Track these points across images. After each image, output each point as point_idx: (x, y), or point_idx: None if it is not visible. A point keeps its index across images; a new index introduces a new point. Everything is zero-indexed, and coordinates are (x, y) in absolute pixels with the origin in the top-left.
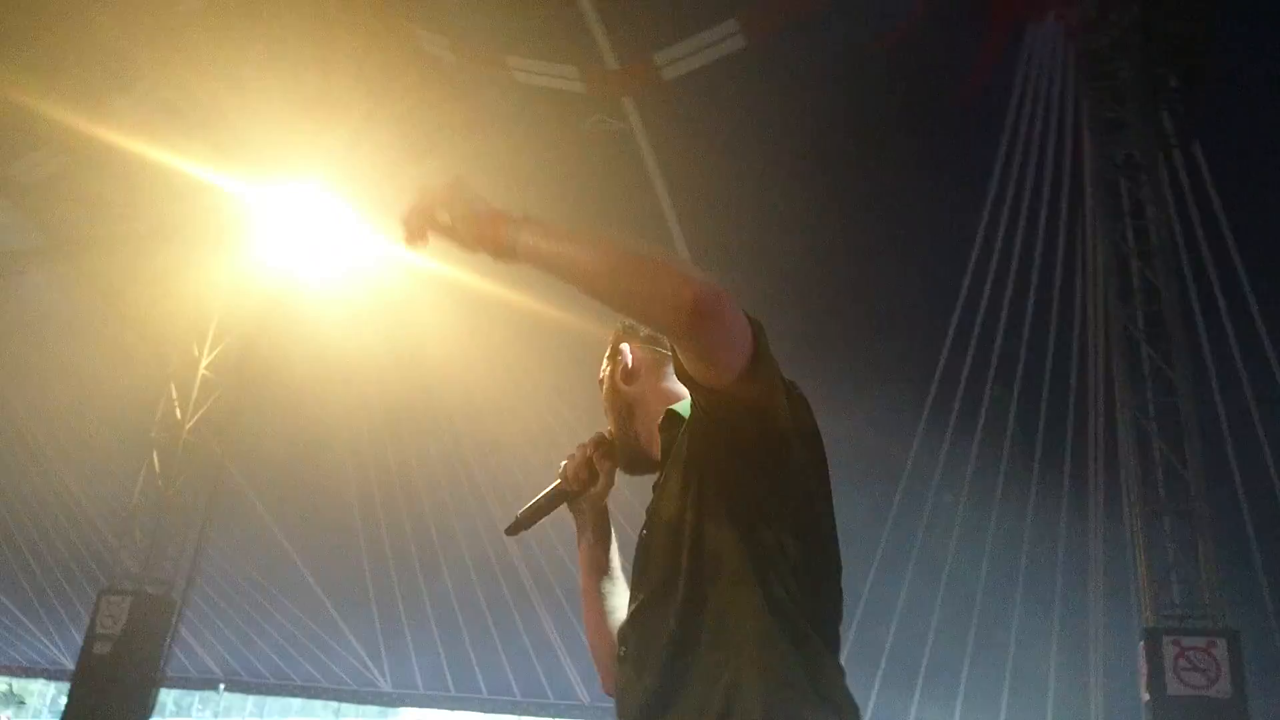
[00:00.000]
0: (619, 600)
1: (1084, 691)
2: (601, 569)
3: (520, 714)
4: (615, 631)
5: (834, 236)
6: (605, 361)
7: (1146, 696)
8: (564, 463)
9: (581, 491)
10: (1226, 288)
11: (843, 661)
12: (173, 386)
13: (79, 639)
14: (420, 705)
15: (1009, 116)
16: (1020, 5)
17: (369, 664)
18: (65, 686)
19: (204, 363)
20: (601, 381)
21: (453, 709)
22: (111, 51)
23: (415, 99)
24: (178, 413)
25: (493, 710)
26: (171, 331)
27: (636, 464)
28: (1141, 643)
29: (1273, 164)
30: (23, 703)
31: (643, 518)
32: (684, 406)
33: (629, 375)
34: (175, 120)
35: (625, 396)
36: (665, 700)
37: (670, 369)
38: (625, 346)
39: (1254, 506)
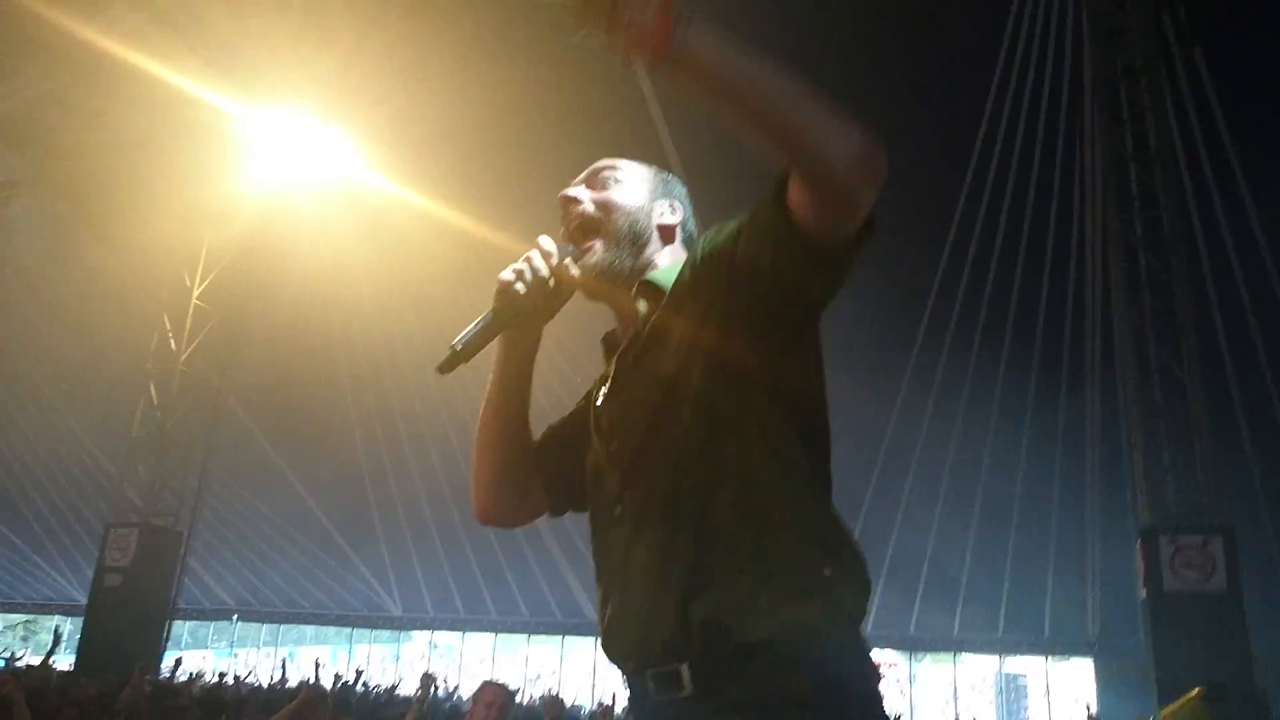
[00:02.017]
0: (526, 428)
1: (1081, 590)
2: (525, 390)
3: (530, 632)
4: (517, 456)
5: None
6: (615, 168)
7: (1144, 593)
8: (511, 273)
9: (533, 309)
10: (1224, 193)
11: None
12: (166, 317)
13: (90, 574)
14: (431, 628)
15: (1009, 24)
16: None
17: (379, 590)
18: (80, 621)
19: (196, 291)
20: (606, 179)
21: (463, 630)
22: None
23: (406, 23)
24: (172, 344)
25: (502, 630)
26: (161, 260)
27: (606, 287)
28: (1138, 541)
29: (1273, 70)
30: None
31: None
32: (661, 276)
33: (659, 214)
34: (165, 30)
35: (641, 225)
36: (699, 558)
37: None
38: (672, 204)
39: (1248, 408)
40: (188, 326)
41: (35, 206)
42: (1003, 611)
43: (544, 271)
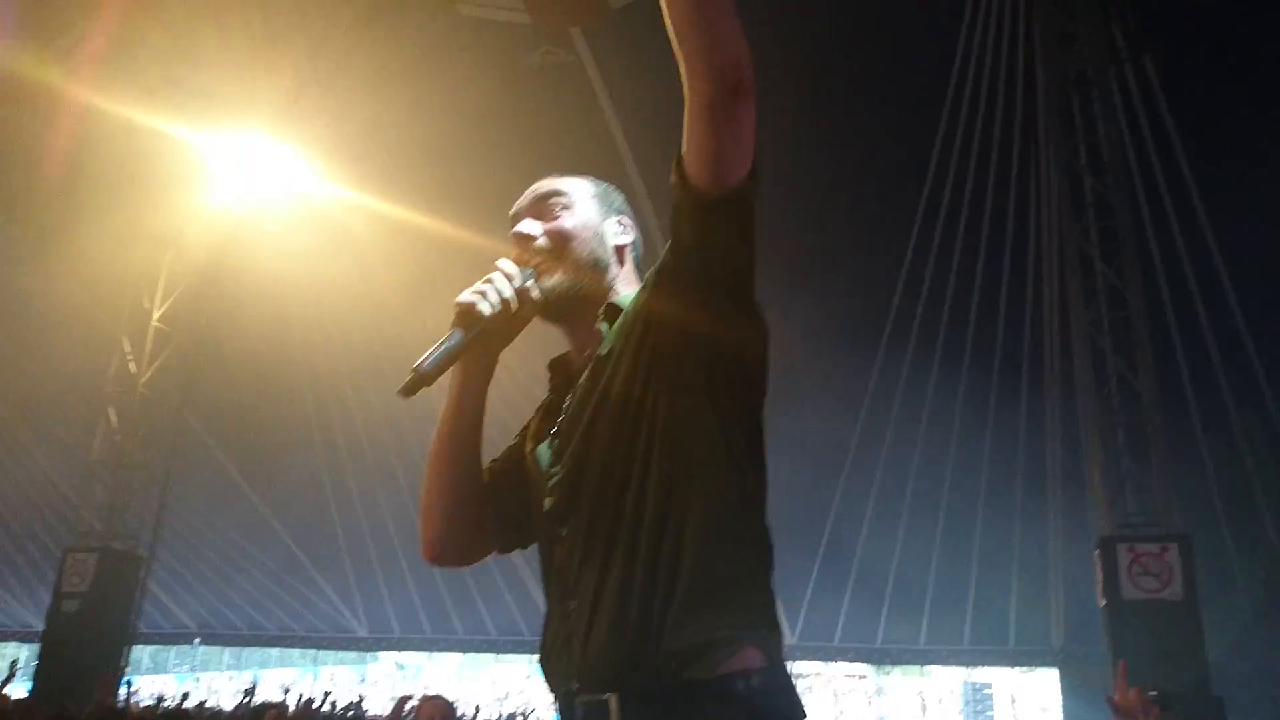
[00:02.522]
0: (479, 458)
1: (1044, 599)
2: (479, 416)
3: (497, 652)
4: (470, 487)
5: (787, 163)
6: (561, 194)
7: (1103, 602)
8: (474, 295)
9: (496, 330)
10: (1177, 200)
11: (812, 581)
12: (125, 340)
13: (49, 599)
14: (397, 649)
15: (961, 34)
16: None
17: (343, 611)
18: (38, 649)
19: (156, 314)
20: (554, 205)
21: (430, 650)
22: None
23: (357, 37)
24: (132, 366)
25: (469, 650)
26: (120, 284)
27: (565, 310)
28: (1096, 550)
29: (1221, 73)
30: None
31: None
32: (626, 299)
33: (606, 236)
34: (111, 65)
35: (593, 252)
36: (639, 590)
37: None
38: (622, 220)
39: (1204, 416)
40: (148, 349)
41: None
42: (968, 623)
43: (507, 293)
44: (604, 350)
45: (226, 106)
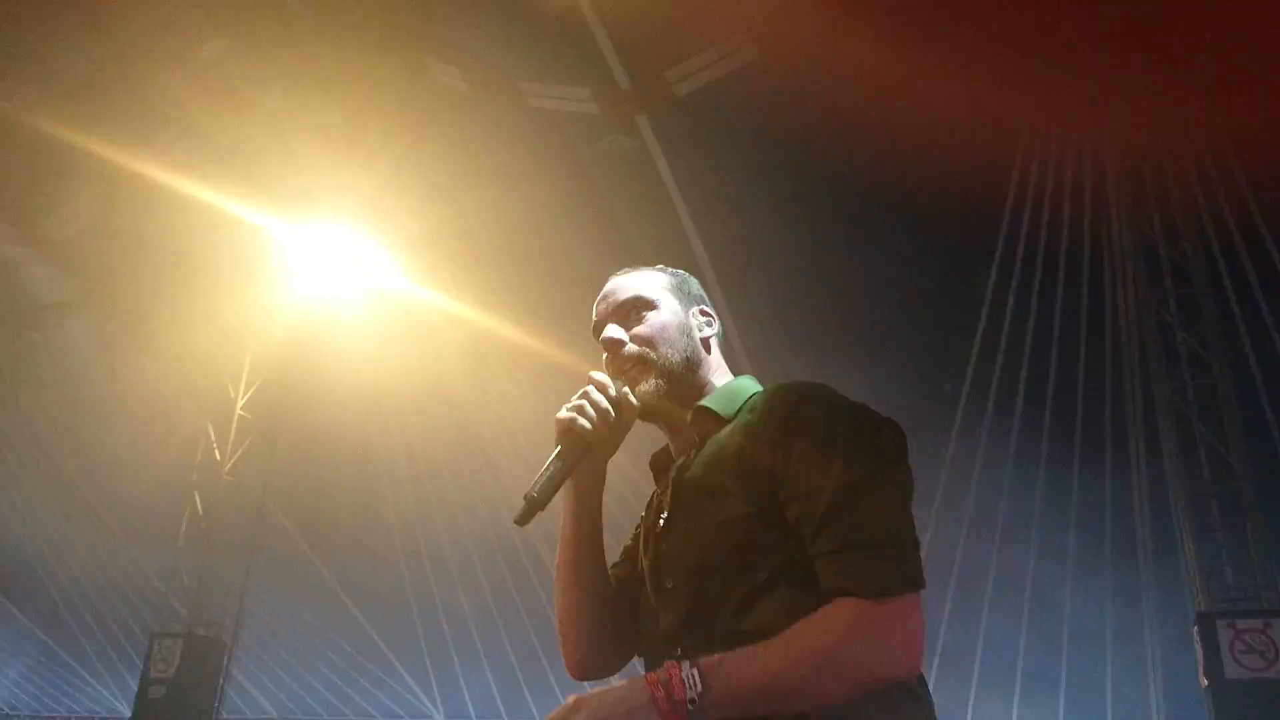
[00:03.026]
0: (604, 569)
1: (1143, 680)
2: (598, 528)
3: None
4: (601, 598)
5: (856, 240)
6: (642, 297)
7: (1205, 682)
8: (572, 412)
9: (599, 442)
10: (1257, 263)
11: None
12: (210, 428)
13: (134, 685)
14: None
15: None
16: None
17: (420, 695)
18: None
19: (240, 403)
20: (637, 307)
21: None
22: (150, 88)
23: (438, 139)
24: (216, 454)
25: None
26: (206, 373)
27: (663, 411)
28: (1195, 627)
29: None
30: None
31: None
32: (719, 403)
33: (691, 330)
34: (209, 157)
35: (683, 344)
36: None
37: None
38: (702, 310)
39: None
40: (231, 436)
41: (86, 326)
42: (1062, 704)
43: (603, 404)
44: (705, 469)
45: (315, 201)
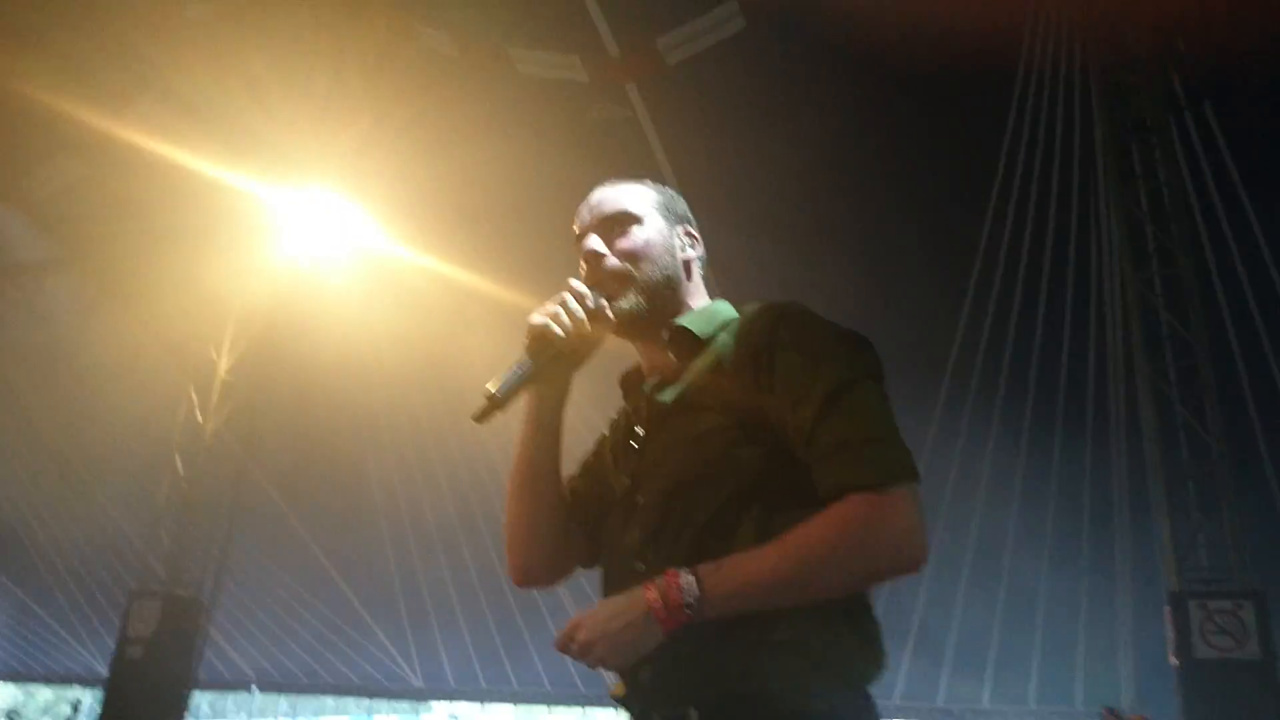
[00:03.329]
0: (559, 479)
1: (1113, 658)
2: (557, 439)
3: (551, 704)
4: (553, 507)
5: (845, 212)
6: (628, 212)
7: (1175, 661)
8: (546, 317)
9: (570, 351)
10: (1243, 248)
11: None
12: (193, 390)
13: (113, 645)
14: (451, 698)
15: (1017, 84)
16: None
17: (399, 660)
18: (102, 694)
19: (223, 366)
20: (622, 222)
21: (483, 701)
22: (131, 51)
23: (424, 102)
24: (199, 416)
25: (523, 701)
26: (189, 335)
27: (640, 327)
28: (1167, 607)
29: None
30: (78, 709)
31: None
32: (696, 323)
33: (674, 249)
34: (192, 120)
35: (664, 260)
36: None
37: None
38: (685, 229)
39: (1278, 467)
40: (214, 400)
41: (66, 285)
42: (1034, 682)
43: (579, 314)
44: (683, 386)
45: (297, 163)
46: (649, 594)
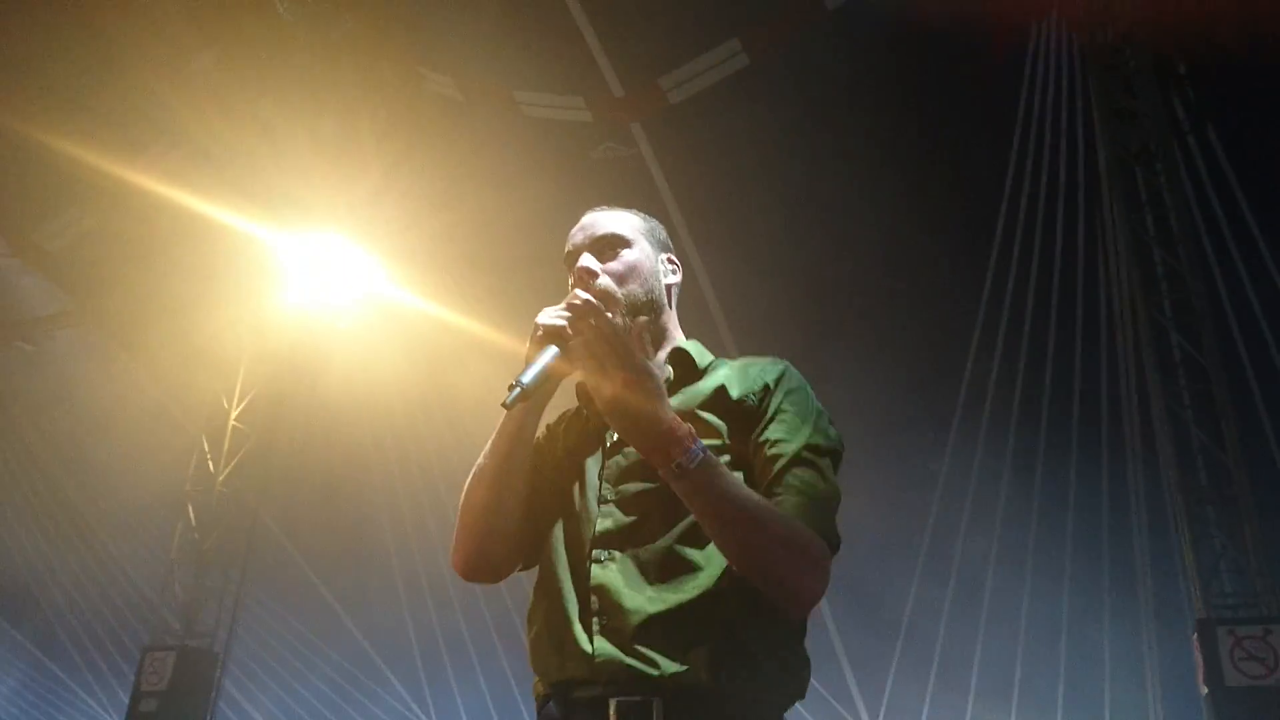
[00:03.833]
0: (525, 477)
1: (1141, 686)
2: (533, 437)
3: None
4: (514, 504)
5: (851, 245)
6: (618, 235)
7: (1204, 689)
8: (560, 319)
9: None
10: (1251, 268)
11: (894, 666)
12: (204, 440)
13: (125, 699)
14: None
15: (1019, 113)
16: (1023, 2)
17: (414, 709)
18: None
19: (234, 414)
20: (613, 244)
21: None
22: (144, 100)
23: (432, 147)
24: (210, 465)
25: None
26: (200, 384)
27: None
28: (1195, 634)
29: None
30: None
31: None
32: (694, 351)
33: (658, 275)
34: (203, 168)
35: (649, 287)
36: (694, 615)
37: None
38: (669, 258)
39: None
40: (225, 447)
41: (78, 337)
42: (1060, 712)
43: (591, 312)
44: (679, 402)
45: (307, 210)
46: (679, 427)
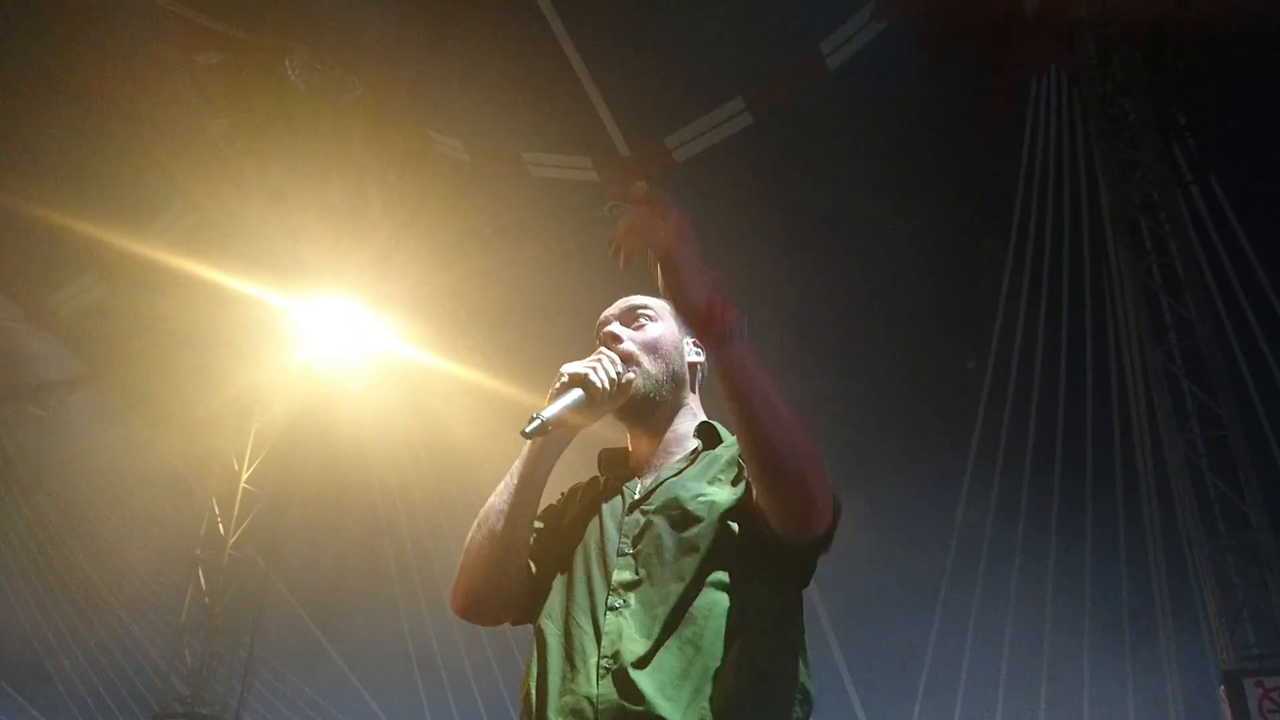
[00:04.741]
0: (530, 527)
1: None
2: (544, 482)
3: None
4: (517, 551)
5: (858, 301)
6: (649, 308)
7: None
8: (587, 369)
9: (597, 404)
10: (1260, 314)
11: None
12: (214, 503)
13: None
14: None
15: (1022, 167)
16: (1022, 58)
17: None
18: None
19: (245, 476)
20: (641, 316)
21: None
22: (153, 170)
23: (440, 208)
24: (221, 528)
25: None
26: (210, 447)
27: (641, 412)
28: (1221, 686)
29: None
30: None
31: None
32: (721, 427)
33: (679, 357)
34: (212, 234)
35: (674, 366)
36: (707, 674)
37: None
38: (697, 342)
39: None
40: (236, 510)
41: (89, 401)
42: None
43: (613, 374)
44: (705, 486)
45: (317, 274)
46: (722, 298)
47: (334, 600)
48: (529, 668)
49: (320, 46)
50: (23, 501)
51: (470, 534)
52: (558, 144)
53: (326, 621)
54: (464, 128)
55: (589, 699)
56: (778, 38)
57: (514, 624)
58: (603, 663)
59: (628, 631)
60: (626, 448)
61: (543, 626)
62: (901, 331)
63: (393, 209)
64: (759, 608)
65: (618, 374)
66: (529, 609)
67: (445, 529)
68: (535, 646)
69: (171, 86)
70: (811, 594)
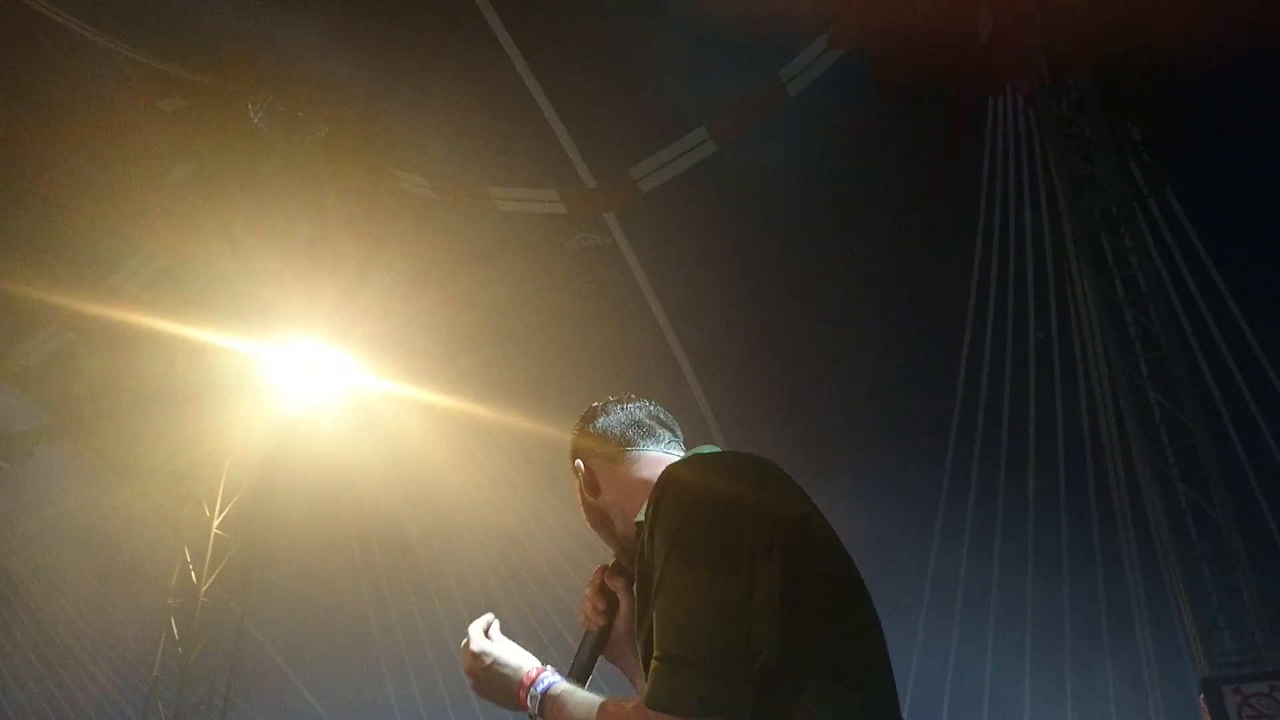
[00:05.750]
0: None
1: None
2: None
3: None
4: None
5: (823, 323)
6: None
7: None
8: (580, 614)
9: (612, 622)
10: (1222, 323)
11: None
12: (186, 550)
13: None
14: None
15: (983, 188)
16: (977, 81)
17: None
18: None
19: (216, 522)
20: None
21: None
22: (106, 230)
23: (406, 243)
24: (193, 576)
25: None
26: (181, 495)
27: (622, 557)
28: (1200, 695)
29: (1243, 198)
30: None
31: None
32: (644, 512)
33: (592, 488)
34: (173, 284)
35: (598, 509)
36: None
37: (632, 454)
38: (578, 463)
39: None
40: (208, 557)
41: (55, 452)
42: None
43: (591, 605)
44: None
45: (281, 316)
46: (531, 674)
47: (313, 646)
48: None
49: (283, 88)
50: None
51: None
52: (524, 177)
53: (302, 665)
54: (430, 165)
55: None
56: (737, 66)
57: None
58: None
59: None
60: None
61: None
62: (866, 356)
63: (356, 244)
64: None
65: (607, 581)
66: None
67: (421, 560)
68: None
69: (136, 133)
70: None
